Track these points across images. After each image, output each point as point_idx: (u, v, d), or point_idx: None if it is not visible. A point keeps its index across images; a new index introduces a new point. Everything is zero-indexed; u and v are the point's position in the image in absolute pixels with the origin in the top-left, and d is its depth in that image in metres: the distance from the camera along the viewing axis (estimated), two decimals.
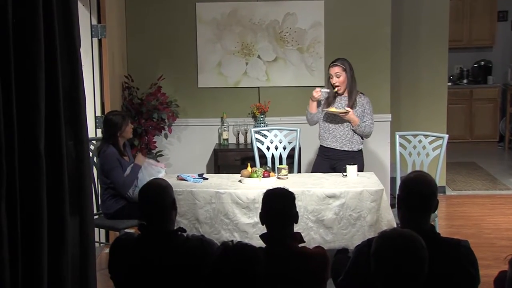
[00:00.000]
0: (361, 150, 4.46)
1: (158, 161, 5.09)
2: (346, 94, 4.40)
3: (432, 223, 2.91)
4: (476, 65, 9.34)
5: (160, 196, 2.65)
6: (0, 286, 2.10)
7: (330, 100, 4.42)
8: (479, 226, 5.29)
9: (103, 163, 4.14)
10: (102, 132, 4.76)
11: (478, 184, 6.75)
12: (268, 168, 4.13)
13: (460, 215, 5.69)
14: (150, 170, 4.18)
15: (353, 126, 4.35)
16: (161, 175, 4.15)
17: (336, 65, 4.35)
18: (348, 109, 4.26)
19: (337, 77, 4.34)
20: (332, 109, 4.30)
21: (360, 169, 4.34)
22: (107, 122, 4.18)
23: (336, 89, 4.36)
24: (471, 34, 9.04)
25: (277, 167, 4.26)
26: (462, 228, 5.26)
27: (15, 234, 2.19)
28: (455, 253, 2.40)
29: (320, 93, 4.36)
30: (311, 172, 4.54)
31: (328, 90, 4.40)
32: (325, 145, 4.48)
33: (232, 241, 2.18)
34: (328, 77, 4.42)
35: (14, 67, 2.18)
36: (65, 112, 2.48)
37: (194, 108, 5.65)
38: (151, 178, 3.85)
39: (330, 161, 4.46)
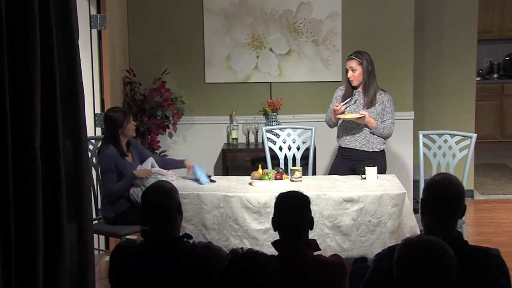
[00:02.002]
0: (383, 150, 4.44)
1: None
2: (363, 89, 4.39)
3: (459, 230, 2.89)
4: (507, 58, 9.27)
5: (164, 200, 2.65)
6: None
7: (347, 95, 4.41)
8: (510, 234, 5.25)
9: (100, 163, 4.16)
10: (102, 131, 4.79)
11: (510, 187, 6.70)
12: (280, 170, 4.13)
13: (490, 221, 5.66)
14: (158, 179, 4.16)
15: (370, 129, 4.34)
16: (171, 179, 4.15)
17: (352, 58, 4.36)
18: (363, 113, 4.25)
19: (352, 71, 4.34)
20: (347, 115, 4.30)
21: (382, 171, 4.33)
22: (107, 120, 4.19)
23: (350, 82, 4.37)
24: (502, 24, 8.97)
25: (290, 169, 4.25)
26: (492, 235, 5.22)
27: (8, 240, 2.20)
28: (484, 262, 2.39)
29: (343, 106, 4.33)
30: (329, 174, 4.53)
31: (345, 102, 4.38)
32: (344, 145, 4.47)
33: (241, 248, 2.17)
34: (346, 72, 4.43)
35: (8, 60, 2.19)
36: (62, 109, 2.49)
37: (201, 105, 5.65)
38: None
39: (350, 162, 4.45)
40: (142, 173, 4.14)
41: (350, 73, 4.36)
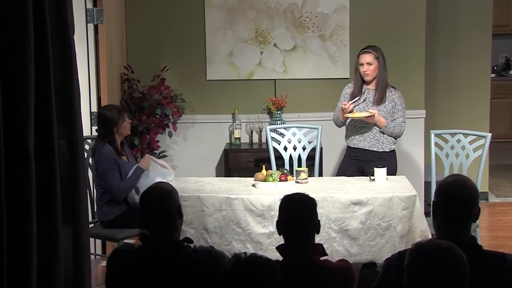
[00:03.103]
0: (393, 150, 4.44)
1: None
2: (374, 86, 4.39)
3: (473, 234, 2.89)
4: None
5: (164, 202, 2.65)
6: None
7: (356, 93, 4.41)
8: None
9: (98, 163, 4.16)
10: (96, 130, 4.79)
11: None
12: (285, 171, 4.13)
13: (505, 225, 5.65)
14: (158, 171, 4.19)
15: (380, 128, 4.33)
16: (170, 178, 4.17)
17: (368, 51, 4.35)
18: (373, 111, 4.25)
19: (369, 65, 4.33)
20: (356, 114, 4.30)
21: (393, 173, 4.33)
22: (101, 118, 4.21)
23: (364, 78, 4.36)
24: None
25: (296, 170, 4.25)
26: (507, 240, 5.22)
27: (0, 245, 2.20)
28: (499, 268, 2.38)
29: (351, 104, 4.33)
30: (336, 176, 4.53)
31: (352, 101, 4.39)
32: (352, 145, 4.47)
33: (244, 253, 2.18)
34: (356, 69, 4.41)
35: (0, 56, 2.20)
36: (57, 108, 2.49)
37: (202, 103, 5.65)
38: (156, 180, 3.90)
39: (358, 162, 4.44)
40: (147, 163, 4.20)
41: (365, 67, 4.34)
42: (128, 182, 4.14)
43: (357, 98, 4.38)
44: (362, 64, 4.36)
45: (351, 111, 4.34)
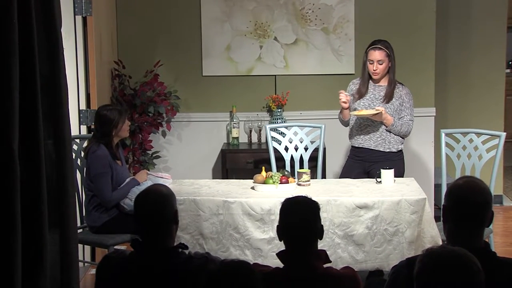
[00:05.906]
0: (401, 151, 4.44)
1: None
2: (382, 83, 4.39)
3: (486, 240, 2.89)
4: None
5: (160, 207, 2.65)
6: None
7: (363, 90, 4.40)
8: None
9: (91, 166, 4.15)
10: (90, 129, 4.79)
11: None
12: (286, 173, 4.13)
13: None
14: (154, 179, 4.21)
15: (386, 126, 4.33)
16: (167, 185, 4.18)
17: (379, 48, 4.30)
18: (380, 108, 4.24)
19: (379, 64, 4.31)
20: (361, 112, 4.29)
21: (400, 174, 4.34)
22: (101, 119, 4.19)
23: (373, 76, 4.36)
24: None
25: (297, 172, 4.25)
26: None
27: None
28: None
29: (348, 96, 4.34)
30: (340, 177, 4.53)
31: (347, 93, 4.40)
32: (357, 145, 4.47)
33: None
34: (363, 64, 4.39)
35: None
36: (44, 105, 2.49)
37: (198, 100, 5.66)
38: None
39: (363, 163, 4.45)
40: (143, 177, 4.25)
41: (375, 66, 4.31)
42: (119, 192, 4.15)
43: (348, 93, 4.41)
44: (372, 62, 4.33)
45: (355, 109, 4.35)
